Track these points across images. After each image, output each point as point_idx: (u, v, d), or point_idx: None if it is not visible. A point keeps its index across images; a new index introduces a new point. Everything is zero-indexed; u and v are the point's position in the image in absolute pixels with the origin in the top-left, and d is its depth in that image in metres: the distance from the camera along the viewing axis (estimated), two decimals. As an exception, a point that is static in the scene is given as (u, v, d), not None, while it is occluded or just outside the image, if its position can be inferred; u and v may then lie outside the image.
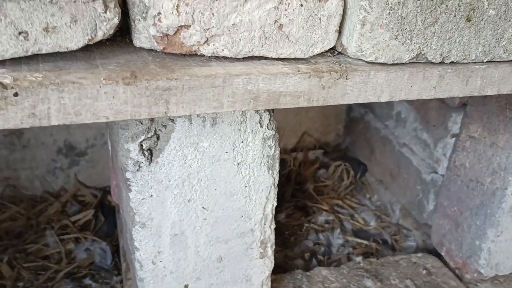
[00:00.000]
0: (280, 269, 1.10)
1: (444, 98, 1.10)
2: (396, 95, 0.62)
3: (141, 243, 0.69)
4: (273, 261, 0.83)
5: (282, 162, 1.46)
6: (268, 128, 0.68)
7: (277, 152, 0.72)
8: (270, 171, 0.72)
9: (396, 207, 1.31)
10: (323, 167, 1.48)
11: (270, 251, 0.81)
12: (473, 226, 1.02)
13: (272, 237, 0.80)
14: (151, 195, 0.66)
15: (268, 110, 0.67)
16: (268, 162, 0.71)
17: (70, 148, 1.26)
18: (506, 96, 0.92)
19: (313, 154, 1.52)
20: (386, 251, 1.20)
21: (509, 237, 1.00)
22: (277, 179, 0.74)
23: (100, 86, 0.47)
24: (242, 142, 0.68)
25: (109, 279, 1.06)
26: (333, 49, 0.62)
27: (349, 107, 1.54)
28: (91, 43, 0.50)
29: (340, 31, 0.59)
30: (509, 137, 0.92)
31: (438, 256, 1.13)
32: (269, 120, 0.68)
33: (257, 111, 0.66)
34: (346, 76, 0.58)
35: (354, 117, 1.51)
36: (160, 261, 0.72)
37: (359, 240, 1.22)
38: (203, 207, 0.70)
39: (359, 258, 1.11)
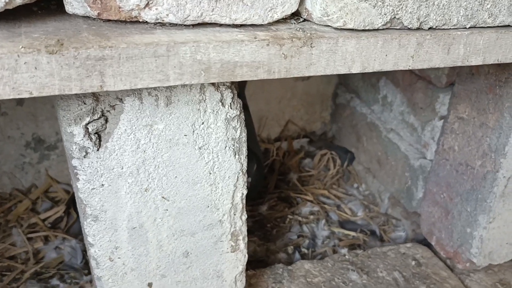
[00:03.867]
0: (262, 264, 1.04)
1: (430, 78, 1.04)
2: (370, 65, 0.55)
3: (95, 238, 0.63)
4: (247, 255, 0.76)
5: (265, 152, 1.39)
6: (231, 108, 0.62)
7: (244, 134, 0.65)
8: (237, 156, 0.66)
9: (385, 196, 1.25)
10: (309, 157, 1.41)
11: (242, 244, 0.75)
12: (463, 212, 0.96)
13: (244, 228, 0.74)
14: (102, 185, 0.59)
15: (230, 87, 0.61)
16: (234, 145, 0.65)
17: (39, 141, 1.19)
18: (496, 72, 0.86)
19: (297, 143, 1.46)
20: (374, 242, 1.14)
21: (502, 224, 0.94)
22: (245, 164, 0.68)
23: (18, 56, 0.41)
24: (203, 123, 0.61)
25: (79, 279, 1.00)
26: (298, 16, 0.56)
27: (335, 93, 1.47)
28: (9, 7, 0.43)
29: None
30: (499, 116, 0.86)
31: (429, 246, 1.07)
32: (232, 98, 0.61)
33: (217, 88, 0.60)
34: (311, 43, 0.51)
35: (340, 104, 1.45)
36: (118, 258, 0.66)
37: (346, 232, 1.16)
38: (163, 197, 0.64)
39: (344, 250, 1.05)
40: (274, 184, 1.30)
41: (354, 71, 0.55)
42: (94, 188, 0.59)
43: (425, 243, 1.08)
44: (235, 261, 0.75)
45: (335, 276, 0.96)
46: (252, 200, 1.23)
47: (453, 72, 0.98)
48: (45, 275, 1.00)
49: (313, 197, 1.24)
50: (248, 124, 1.27)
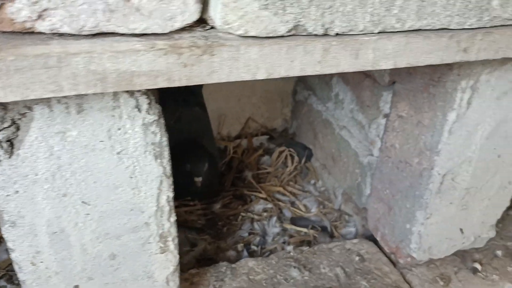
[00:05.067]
0: (211, 262, 1.05)
1: (375, 77, 1.05)
2: (275, 71, 0.56)
3: (15, 243, 0.63)
4: (177, 256, 0.77)
5: (224, 150, 1.40)
6: (148, 113, 0.62)
7: (164, 139, 0.66)
8: (159, 160, 0.67)
9: (338, 192, 1.27)
10: (268, 154, 1.43)
11: (172, 245, 0.76)
12: (403, 209, 0.98)
13: (173, 230, 0.75)
14: (17, 191, 0.60)
15: (145, 93, 0.61)
16: (154, 150, 0.66)
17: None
18: (430, 71, 0.87)
19: (257, 140, 1.46)
20: (324, 238, 1.15)
21: (440, 220, 0.95)
22: (168, 168, 0.69)
23: None
24: (119, 129, 0.62)
25: (26, 280, 1.00)
26: (204, 23, 0.56)
27: (294, 90, 1.48)
28: None
29: (205, 2, 0.53)
30: (433, 115, 0.87)
31: (375, 241, 1.09)
32: (149, 104, 0.62)
33: (131, 95, 0.60)
34: (211, 52, 0.52)
35: (299, 101, 1.46)
36: (41, 262, 0.66)
37: (297, 228, 1.18)
38: (83, 202, 0.64)
39: (290, 247, 1.06)
40: (230, 182, 1.31)
41: (259, 77, 0.56)
42: (8, 195, 0.60)
43: (373, 238, 1.10)
44: (166, 262, 0.76)
45: (278, 273, 0.97)
46: (207, 199, 1.24)
47: (394, 71, 0.99)
48: (-8, 276, 1.01)
49: (267, 195, 1.26)
50: (204, 123, 1.28)
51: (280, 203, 1.25)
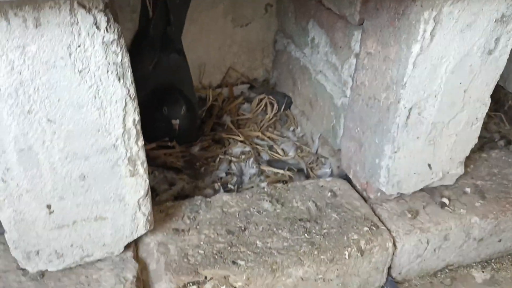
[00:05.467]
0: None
1: (347, 17, 1.06)
2: None
3: (-16, 159, 0.66)
4: (147, 180, 0.80)
5: (203, 99, 1.42)
6: (107, 31, 0.64)
7: (126, 60, 0.68)
8: (122, 81, 0.69)
9: (316, 136, 1.29)
10: (248, 102, 1.45)
11: (141, 169, 0.79)
12: (372, 144, 1.01)
13: (142, 154, 0.77)
14: (-18, 106, 0.62)
15: (103, 10, 0.63)
16: (116, 70, 0.68)
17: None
18: (395, 6, 0.89)
19: (238, 89, 1.48)
20: (300, 179, 1.19)
21: (407, 154, 0.98)
22: (132, 89, 0.71)
23: None
24: (79, 46, 0.64)
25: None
26: None
27: (274, 40, 1.49)
28: None
29: None
30: (398, 49, 0.89)
31: (349, 180, 1.12)
32: (107, 22, 0.64)
33: (89, 11, 0.62)
34: None
35: (279, 50, 1.47)
36: (11, 179, 0.69)
37: (274, 170, 1.21)
38: (48, 119, 0.67)
39: (264, 184, 1.09)
40: (210, 127, 1.33)
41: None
42: (-26, 109, 0.62)
43: (346, 178, 1.13)
44: (136, 185, 0.79)
45: (251, 206, 1.00)
46: (186, 143, 1.26)
47: (364, 9, 1.00)
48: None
49: (245, 138, 1.28)
50: (183, 69, 1.30)
51: (258, 147, 1.28)
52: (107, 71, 0.67)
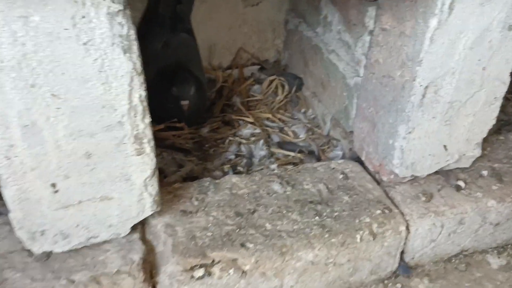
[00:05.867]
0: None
1: (362, -7, 1.02)
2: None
3: (-13, 134, 0.64)
4: (154, 159, 0.78)
5: (213, 80, 1.40)
6: (113, 1, 0.62)
7: (132, 32, 0.65)
8: (127, 54, 0.66)
9: (328, 118, 1.26)
10: (259, 83, 1.42)
11: (148, 148, 0.76)
12: (386, 124, 0.98)
13: (149, 132, 0.75)
14: (-16, 79, 0.60)
15: (107, -21, 0.60)
16: (122, 43, 0.65)
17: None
18: (413, -23, 0.85)
19: (248, 70, 1.45)
20: (311, 161, 1.16)
21: (422, 134, 0.95)
22: (138, 64, 0.68)
23: None
24: (84, 17, 0.61)
25: None
26: None
27: (286, 20, 1.46)
28: None
29: None
30: (415, 23, 0.85)
31: (361, 162, 1.10)
32: (112, -8, 0.61)
33: (93, -20, 0.59)
34: None
35: (291, 30, 1.43)
36: (16, 156, 0.67)
37: (285, 152, 1.18)
38: (52, 94, 0.65)
39: (274, 166, 1.07)
40: (220, 108, 1.31)
41: None
42: (-25, 82, 0.60)
43: (359, 160, 1.11)
44: (142, 164, 0.77)
45: (261, 188, 0.98)
46: (195, 124, 1.24)
47: (380, -16, 0.97)
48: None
49: (256, 120, 1.26)
50: (192, 49, 1.27)
51: (268, 129, 1.26)
52: (112, 44, 0.65)
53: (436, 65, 0.87)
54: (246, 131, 1.22)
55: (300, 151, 1.19)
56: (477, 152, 1.04)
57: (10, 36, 0.59)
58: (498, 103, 0.98)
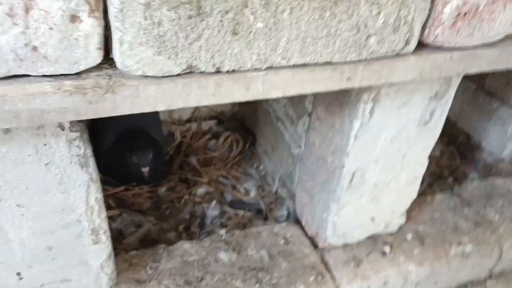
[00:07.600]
0: (154, 242, 1.17)
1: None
2: (174, 103, 0.66)
3: (-41, 240, 0.74)
4: (110, 245, 0.89)
5: (172, 134, 1.50)
6: (71, 131, 0.72)
7: (88, 150, 0.76)
8: (84, 168, 0.77)
9: (276, 176, 1.39)
10: (215, 138, 1.53)
11: (104, 237, 0.87)
12: (321, 200, 1.10)
13: (104, 224, 0.86)
14: (-43, 199, 0.70)
15: (66, 115, 0.70)
16: (79, 160, 0.76)
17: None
18: (341, 82, 0.97)
19: (206, 124, 1.56)
20: (258, 221, 1.28)
21: (352, 210, 1.08)
22: (94, 174, 0.79)
23: None
24: (45, 145, 0.71)
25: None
26: (111, 63, 0.65)
27: (242, 78, 1.57)
28: None
29: (108, 48, 0.62)
30: (342, 121, 0.98)
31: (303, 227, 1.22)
32: (70, 123, 0.71)
33: (53, 118, 0.69)
34: (113, 91, 0.61)
35: (246, 88, 1.55)
36: (-16, 254, 0.77)
37: (236, 211, 1.30)
38: (17, 205, 0.75)
39: (222, 231, 1.19)
40: (177, 166, 1.42)
41: (159, 109, 0.66)
42: (-51, 202, 0.70)
43: (301, 223, 1.23)
44: (99, 251, 0.88)
45: (209, 255, 1.10)
46: (154, 182, 1.35)
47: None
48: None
49: (210, 179, 1.37)
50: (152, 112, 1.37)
51: (222, 186, 1.37)
52: (71, 162, 0.75)
53: (362, 156, 1.00)
54: (201, 190, 1.33)
55: (249, 210, 1.31)
56: (402, 221, 1.18)
57: (-20, 166, 0.69)
58: (418, 180, 1.13)
